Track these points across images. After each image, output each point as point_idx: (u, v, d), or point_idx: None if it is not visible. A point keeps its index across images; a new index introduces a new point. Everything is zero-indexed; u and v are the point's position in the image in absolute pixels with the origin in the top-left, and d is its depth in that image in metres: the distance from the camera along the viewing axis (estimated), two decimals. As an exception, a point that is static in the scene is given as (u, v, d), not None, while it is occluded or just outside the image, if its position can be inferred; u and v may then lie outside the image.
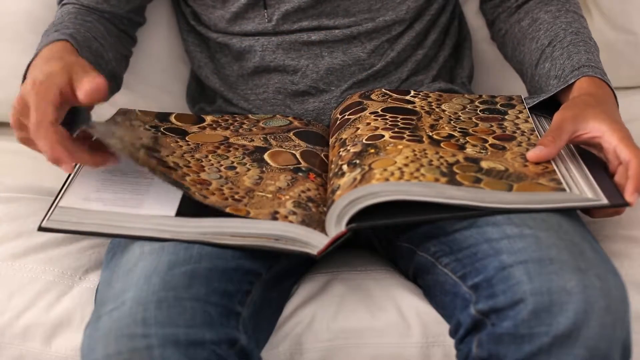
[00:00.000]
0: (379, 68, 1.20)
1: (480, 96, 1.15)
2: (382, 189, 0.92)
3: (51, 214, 0.96)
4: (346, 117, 1.11)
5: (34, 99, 0.93)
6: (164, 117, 1.14)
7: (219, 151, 1.07)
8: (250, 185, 1.00)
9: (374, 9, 1.18)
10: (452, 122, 1.08)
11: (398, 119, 1.07)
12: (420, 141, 1.02)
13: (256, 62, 1.20)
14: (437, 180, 0.94)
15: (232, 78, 1.23)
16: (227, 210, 0.95)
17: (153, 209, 0.96)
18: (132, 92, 1.35)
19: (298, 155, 1.07)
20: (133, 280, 0.90)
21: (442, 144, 1.02)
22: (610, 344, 0.87)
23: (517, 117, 1.09)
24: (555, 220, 0.94)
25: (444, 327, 0.99)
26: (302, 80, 1.19)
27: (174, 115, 1.15)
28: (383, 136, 1.03)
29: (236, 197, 0.98)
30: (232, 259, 0.94)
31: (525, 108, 1.11)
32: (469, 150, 1.01)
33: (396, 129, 1.04)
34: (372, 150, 1.00)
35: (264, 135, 1.11)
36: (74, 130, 0.96)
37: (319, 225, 0.95)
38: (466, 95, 1.16)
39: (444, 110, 1.11)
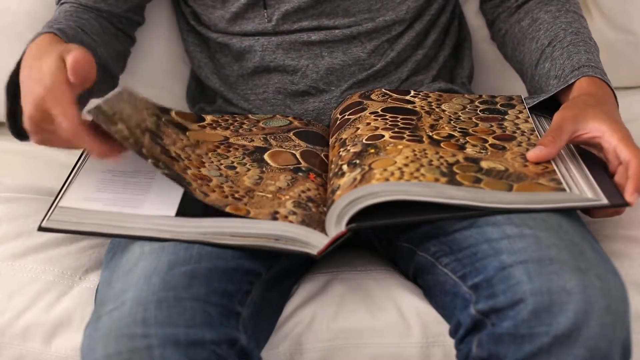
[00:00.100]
0: (379, 68, 1.20)
1: (480, 96, 1.15)
2: (382, 189, 0.92)
3: (51, 214, 0.96)
4: (346, 117, 1.11)
5: (55, 105, 0.93)
6: (164, 110, 1.13)
7: (219, 151, 1.06)
8: (250, 185, 1.00)
9: (374, 9, 1.18)
10: (452, 122, 1.07)
11: (398, 119, 1.07)
12: (420, 141, 1.02)
13: (256, 62, 1.20)
14: (437, 180, 0.94)
15: (232, 78, 1.23)
16: (228, 209, 0.95)
17: (153, 209, 0.96)
18: (132, 92, 1.35)
19: (298, 155, 1.07)
20: (133, 280, 0.90)
21: (442, 144, 1.01)
22: (610, 344, 0.87)
23: (517, 117, 1.09)
24: (555, 220, 0.94)
25: (444, 327, 0.99)
26: (302, 80, 1.19)
27: (174, 111, 1.14)
28: (383, 136, 1.03)
29: (236, 195, 0.98)
30: (232, 259, 0.94)
31: (525, 108, 1.11)
32: (469, 150, 1.01)
33: (396, 129, 1.04)
34: (372, 150, 1.00)
35: (264, 135, 1.11)
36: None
37: (319, 225, 0.95)
38: (466, 95, 1.15)
39: (444, 110, 1.10)
